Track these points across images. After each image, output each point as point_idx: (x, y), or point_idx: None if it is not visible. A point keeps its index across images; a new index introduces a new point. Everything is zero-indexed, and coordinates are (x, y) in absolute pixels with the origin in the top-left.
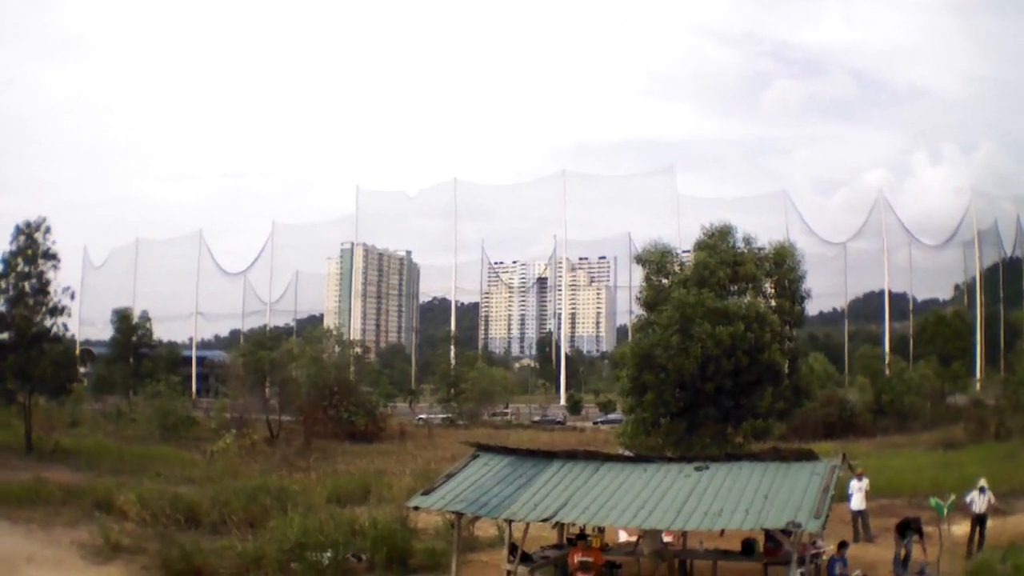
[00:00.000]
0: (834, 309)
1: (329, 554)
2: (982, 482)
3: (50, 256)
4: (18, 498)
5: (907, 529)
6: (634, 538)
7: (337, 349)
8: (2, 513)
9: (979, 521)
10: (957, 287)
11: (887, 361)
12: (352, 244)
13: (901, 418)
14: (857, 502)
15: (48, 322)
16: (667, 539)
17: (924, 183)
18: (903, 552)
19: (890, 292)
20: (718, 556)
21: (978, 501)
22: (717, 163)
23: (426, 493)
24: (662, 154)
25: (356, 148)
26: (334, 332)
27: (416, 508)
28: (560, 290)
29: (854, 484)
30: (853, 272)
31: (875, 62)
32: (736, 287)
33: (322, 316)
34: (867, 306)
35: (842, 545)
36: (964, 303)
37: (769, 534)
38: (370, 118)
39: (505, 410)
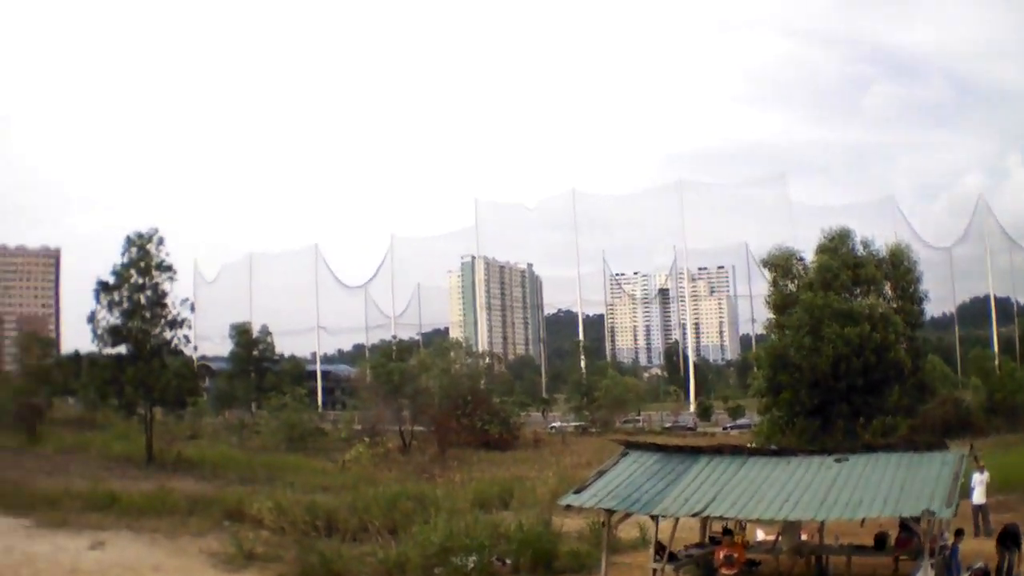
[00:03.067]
0: (944, 314)
1: (474, 558)
2: None
3: (164, 268)
4: (141, 508)
5: (1008, 538)
6: (771, 537)
7: (468, 360)
8: (124, 523)
9: None
10: None
11: (997, 362)
12: (473, 257)
13: (1013, 416)
14: (978, 496)
15: (167, 334)
16: (804, 537)
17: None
18: (1006, 564)
19: (995, 296)
20: (852, 551)
21: None
22: (823, 169)
23: (578, 491)
24: (768, 161)
25: (473, 160)
26: (463, 344)
27: (568, 507)
28: (683, 300)
29: (976, 477)
30: (958, 277)
31: (968, 64)
32: (858, 289)
33: (447, 329)
34: (974, 310)
35: (958, 533)
36: None
37: (904, 525)
38: (486, 130)
39: (636, 417)
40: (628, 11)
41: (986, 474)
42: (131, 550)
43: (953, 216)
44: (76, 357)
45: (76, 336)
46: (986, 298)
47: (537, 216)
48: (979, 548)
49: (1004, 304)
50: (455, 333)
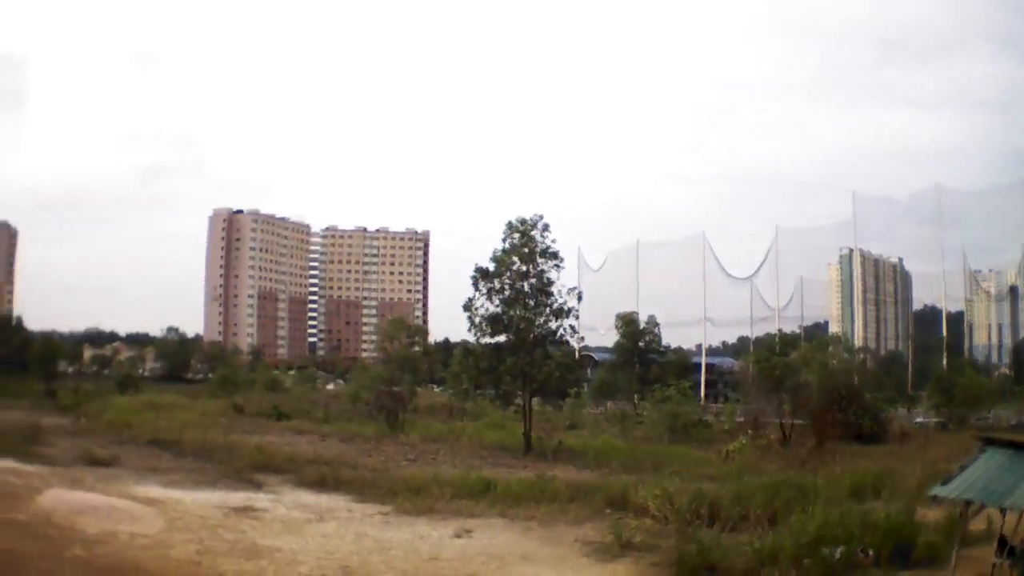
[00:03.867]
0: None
1: (841, 549)
2: None
3: (550, 254)
4: (517, 496)
5: None
6: None
7: (845, 355)
8: (496, 512)
9: None
10: None
11: None
12: (850, 250)
13: None
14: None
15: (552, 324)
16: None
17: None
18: None
19: None
20: None
21: None
22: None
23: (944, 483)
24: None
25: (855, 153)
26: (841, 339)
27: (935, 498)
28: None
29: None
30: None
31: None
32: None
33: (826, 323)
34: None
35: None
36: None
37: None
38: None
39: (987, 415)
40: None
41: None
42: (500, 538)
43: None
44: (446, 345)
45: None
46: None
47: (903, 210)
48: None
49: None
50: (834, 327)
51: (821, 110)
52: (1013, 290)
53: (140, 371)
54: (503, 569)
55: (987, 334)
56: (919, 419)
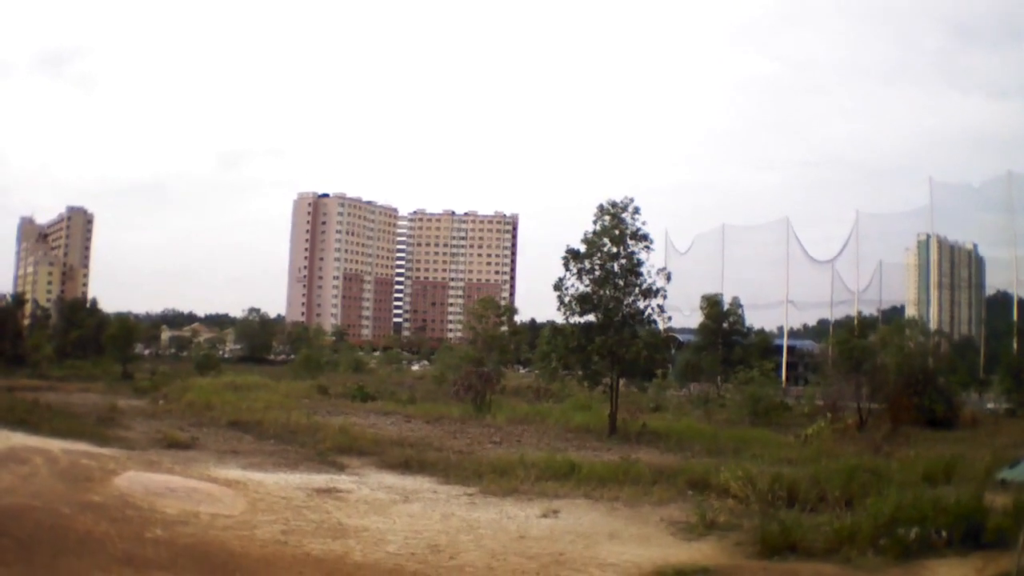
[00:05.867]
0: None
1: (916, 530)
2: None
3: (640, 236)
4: (602, 478)
5: None
6: None
7: (921, 339)
8: (583, 492)
9: None
10: None
11: None
12: (928, 236)
13: None
14: None
15: (641, 304)
16: None
17: None
18: None
19: None
20: None
21: None
22: None
23: (1012, 467)
24: None
25: (931, 139)
26: (917, 322)
27: (1003, 482)
28: None
29: None
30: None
31: None
32: None
33: (903, 307)
34: None
35: None
36: None
37: None
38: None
39: None
40: None
41: None
42: (587, 518)
43: None
44: (532, 326)
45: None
46: None
47: (977, 196)
48: None
49: None
50: (910, 311)
51: (897, 95)
52: None
53: (220, 352)
54: (591, 548)
55: None
56: (990, 404)
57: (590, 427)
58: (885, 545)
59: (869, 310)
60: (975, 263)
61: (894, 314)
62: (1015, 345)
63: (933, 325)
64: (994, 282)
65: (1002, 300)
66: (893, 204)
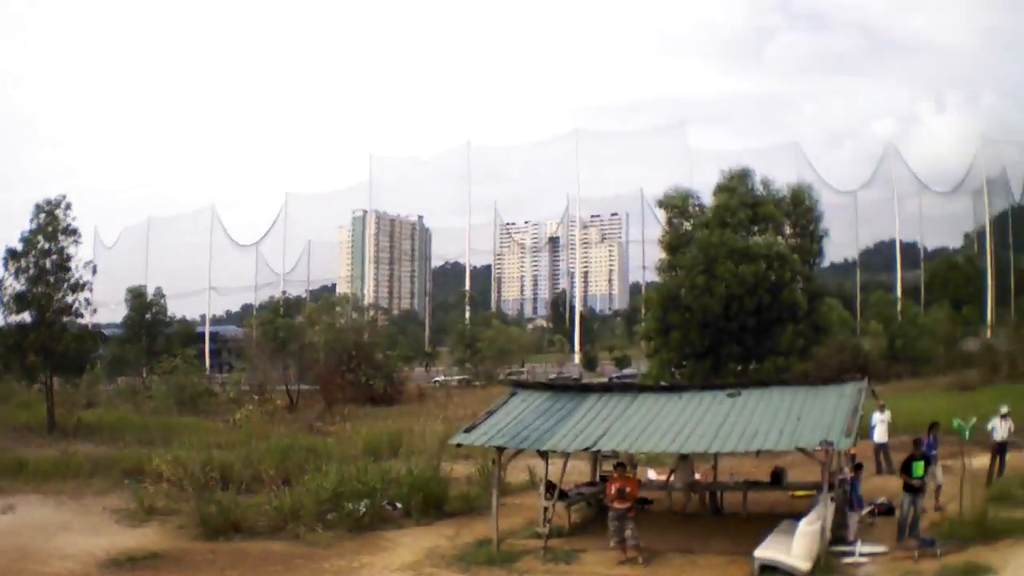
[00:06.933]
0: (845, 260)
1: (366, 503)
2: (1005, 408)
3: (70, 231)
4: (46, 473)
5: (915, 464)
6: (663, 477)
7: (353, 315)
8: (32, 488)
9: (1000, 449)
10: (967, 235)
11: (899, 307)
12: (364, 212)
13: (915, 363)
14: (880, 434)
15: (69, 298)
16: (697, 476)
17: (932, 133)
18: (911, 512)
19: (901, 241)
20: (748, 487)
21: (1000, 428)
22: (727, 119)
23: (468, 431)
24: (674, 112)
25: (369, 116)
26: (349, 298)
27: (459, 447)
28: (573, 248)
29: (876, 416)
30: (864, 222)
31: (880, 13)
32: (756, 228)
33: (334, 285)
34: (878, 255)
35: (858, 467)
36: (974, 250)
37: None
38: (383, 85)
39: (520, 369)
40: None
41: (887, 413)
42: (40, 512)
43: (859, 163)
44: None
45: None
46: (891, 243)
47: (432, 168)
48: (882, 485)
49: (911, 249)
50: (343, 288)
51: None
52: (553, 241)
53: None
54: (49, 540)
55: (520, 286)
56: (438, 378)
57: (33, 425)
58: (334, 520)
59: (298, 291)
60: (421, 235)
61: (326, 292)
62: (467, 313)
63: (370, 300)
64: (444, 253)
65: (452, 271)
66: (339, 183)
